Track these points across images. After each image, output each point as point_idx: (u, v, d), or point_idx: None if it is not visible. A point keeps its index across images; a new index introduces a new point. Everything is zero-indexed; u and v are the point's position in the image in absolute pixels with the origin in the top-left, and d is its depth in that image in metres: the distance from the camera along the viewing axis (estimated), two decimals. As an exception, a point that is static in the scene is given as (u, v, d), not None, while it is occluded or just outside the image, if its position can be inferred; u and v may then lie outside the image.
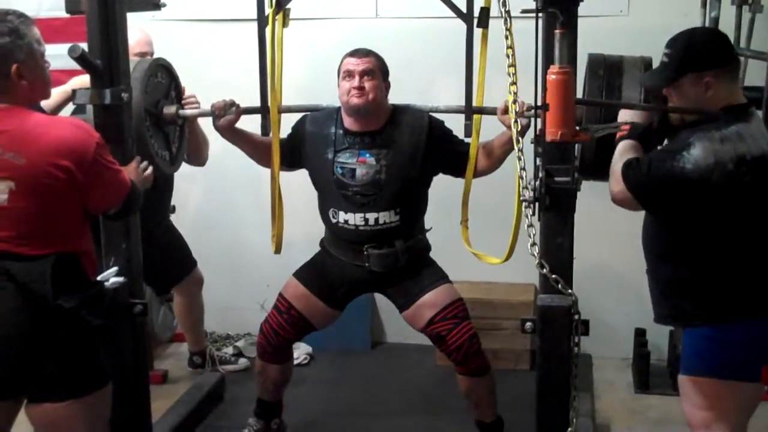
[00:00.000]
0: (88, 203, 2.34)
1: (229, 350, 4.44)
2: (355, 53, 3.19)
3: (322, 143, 3.25)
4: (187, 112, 3.27)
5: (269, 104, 3.17)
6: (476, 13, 3.08)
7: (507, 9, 2.35)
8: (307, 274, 3.39)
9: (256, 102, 3.21)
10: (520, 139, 2.43)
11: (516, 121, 2.44)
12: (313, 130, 3.29)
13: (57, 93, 3.11)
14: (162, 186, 3.63)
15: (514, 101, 2.43)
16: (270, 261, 3.69)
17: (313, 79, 4.04)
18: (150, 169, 2.85)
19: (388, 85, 3.25)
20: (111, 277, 2.56)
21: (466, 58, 3.09)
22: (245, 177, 4.51)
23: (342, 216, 3.23)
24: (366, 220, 3.20)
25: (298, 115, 3.38)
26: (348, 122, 3.23)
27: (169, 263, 3.85)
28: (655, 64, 2.78)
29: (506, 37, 2.37)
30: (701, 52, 2.46)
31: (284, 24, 3.26)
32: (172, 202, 4.00)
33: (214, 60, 4.40)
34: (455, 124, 3.25)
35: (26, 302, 2.21)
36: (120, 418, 2.62)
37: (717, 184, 2.32)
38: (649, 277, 2.64)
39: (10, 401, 2.35)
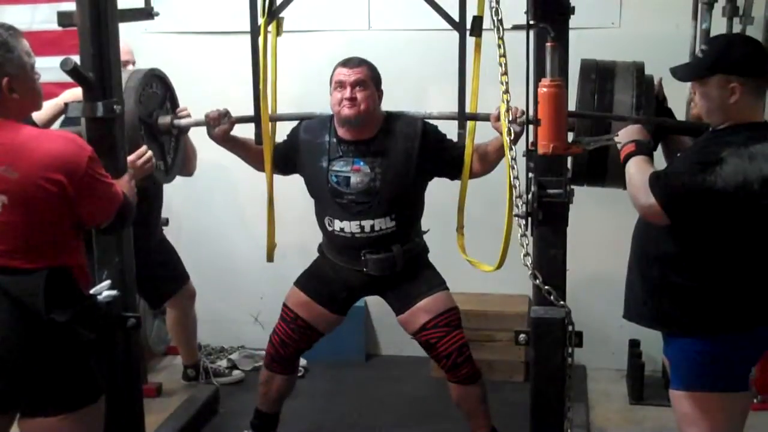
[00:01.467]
0: (81, 216, 2.34)
1: (224, 363, 4.43)
2: (347, 63, 3.19)
3: (316, 152, 3.26)
4: (182, 121, 3.29)
5: (261, 113, 3.18)
6: (469, 24, 3.09)
7: (499, 18, 2.35)
8: (307, 281, 3.40)
9: (251, 113, 3.22)
10: (513, 147, 2.42)
11: (510, 131, 2.43)
12: (307, 139, 3.30)
13: (49, 106, 3.11)
14: (152, 198, 3.63)
15: (507, 110, 2.43)
16: (264, 273, 3.70)
17: (307, 91, 4.04)
18: (149, 154, 2.89)
19: (380, 94, 3.25)
20: (104, 290, 2.54)
21: (459, 68, 3.09)
22: (238, 190, 4.51)
23: (338, 224, 3.24)
24: (362, 227, 3.21)
25: (292, 123, 3.39)
26: (341, 131, 3.23)
27: (164, 276, 3.84)
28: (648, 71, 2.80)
29: (498, 46, 2.37)
30: (735, 55, 2.44)
31: (278, 33, 3.27)
32: (165, 215, 3.99)
33: (207, 72, 4.40)
34: (449, 132, 3.25)
35: (19, 316, 2.20)
36: (114, 432, 2.61)
37: (742, 201, 2.34)
38: (634, 276, 2.63)
39: (3, 415, 2.34)
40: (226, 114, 3.24)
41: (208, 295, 4.34)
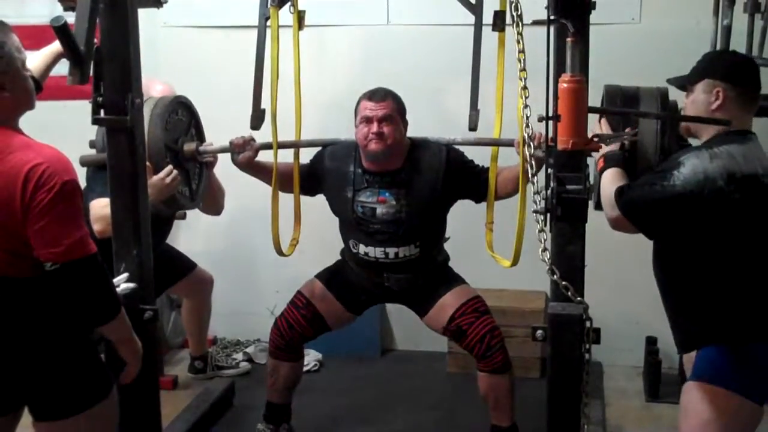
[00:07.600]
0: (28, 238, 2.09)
1: (239, 356, 4.44)
2: (373, 96, 3.20)
3: (341, 181, 3.28)
4: (208, 148, 3.32)
5: (272, 136, 3.19)
6: (490, 19, 3.07)
7: (519, 13, 2.33)
8: (330, 276, 3.44)
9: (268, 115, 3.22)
10: (534, 177, 2.35)
11: (529, 144, 2.37)
12: (332, 167, 3.32)
13: (44, 55, 2.83)
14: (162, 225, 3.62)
15: (525, 106, 2.38)
16: (280, 267, 3.70)
17: (325, 85, 4.04)
18: (175, 172, 2.95)
19: (406, 124, 3.27)
20: (122, 283, 2.55)
21: (474, 49, 3.03)
22: (257, 184, 4.51)
23: (362, 248, 3.28)
24: (386, 253, 3.26)
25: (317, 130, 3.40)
26: (367, 162, 3.26)
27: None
28: (669, 74, 2.78)
29: (518, 42, 2.36)
30: (724, 63, 2.50)
31: (299, 27, 3.27)
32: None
33: (226, 66, 4.40)
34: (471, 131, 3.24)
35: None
36: (130, 424, 2.62)
37: (708, 199, 2.31)
38: (663, 302, 2.61)
39: (8, 416, 2.32)
40: (250, 141, 3.25)
41: (225, 288, 4.35)
